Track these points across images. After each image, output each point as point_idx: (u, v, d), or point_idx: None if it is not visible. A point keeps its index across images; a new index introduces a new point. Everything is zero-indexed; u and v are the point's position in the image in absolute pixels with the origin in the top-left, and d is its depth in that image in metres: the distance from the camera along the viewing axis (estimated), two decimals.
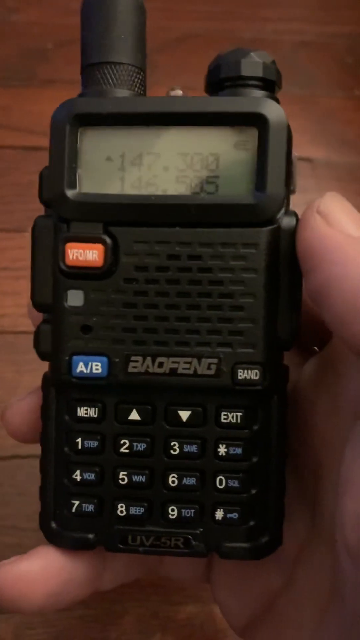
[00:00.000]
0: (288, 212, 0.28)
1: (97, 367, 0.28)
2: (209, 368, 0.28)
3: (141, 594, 0.48)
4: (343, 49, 0.74)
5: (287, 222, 0.28)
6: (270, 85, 0.29)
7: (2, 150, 0.69)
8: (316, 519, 0.30)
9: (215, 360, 0.28)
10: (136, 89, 0.29)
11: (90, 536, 0.30)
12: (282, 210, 0.28)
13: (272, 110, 0.27)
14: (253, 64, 0.29)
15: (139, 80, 0.29)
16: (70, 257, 0.28)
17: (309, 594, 0.30)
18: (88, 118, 0.28)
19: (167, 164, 0.28)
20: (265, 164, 0.27)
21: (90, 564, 0.31)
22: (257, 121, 0.27)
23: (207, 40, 0.72)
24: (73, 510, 0.30)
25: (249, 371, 0.28)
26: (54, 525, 0.30)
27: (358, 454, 0.25)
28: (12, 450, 0.50)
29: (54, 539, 0.30)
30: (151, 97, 0.29)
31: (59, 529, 0.30)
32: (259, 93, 0.29)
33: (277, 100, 0.29)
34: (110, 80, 0.29)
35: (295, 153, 0.29)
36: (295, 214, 0.28)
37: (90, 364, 0.28)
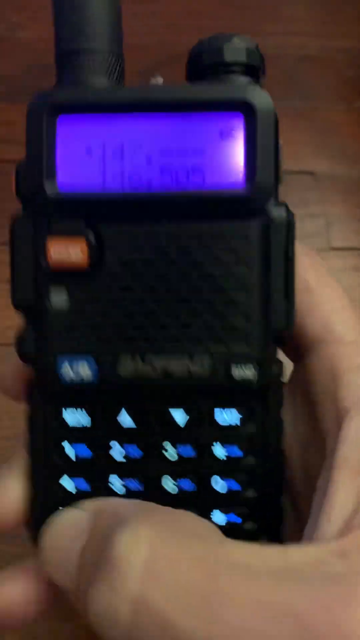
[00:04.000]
0: (278, 203, 0.27)
1: (84, 368, 0.27)
2: (202, 366, 0.27)
3: None
4: (344, 62, 0.75)
5: (277, 212, 0.27)
6: (254, 71, 0.28)
7: (8, 165, 0.69)
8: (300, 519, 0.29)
9: (208, 358, 0.27)
10: (113, 76, 0.28)
11: None
12: (272, 200, 0.27)
13: (259, 97, 0.26)
14: (236, 50, 0.27)
15: (116, 67, 0.28)
16: (53, 254, 0.26)
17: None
18: (66, 108, 0.26)
19: (150, 155, 0.27)
20: (253, 152, 0.26)
21: None
22: (243, 108, 0.26)
23: None
24: None
25: (244, 368, 0.27)
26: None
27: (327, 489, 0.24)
28: None
29: None
30: (133, 86, 0.27)
31: None
32: (243, 79, 0.27)
33: (262, 87, 0.28)
34: (87, 68, 0.27)
35: (281, 141, 0.28)
36: (286, 205, 0.27)
37: (77, 365, 0.27)
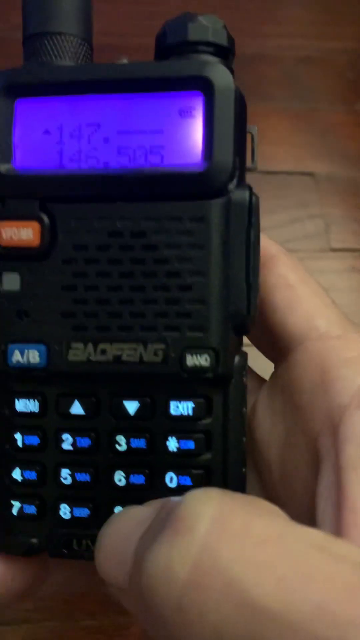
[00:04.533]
0: (241, 185, 0.26)
1: (34, 355, 0.26)
2: (155, 354, 0.26)
3: None
4: (344, 64, 0.75)
5: (239, 194, 0.25)
6: (221, 51, 0.27)
7: None
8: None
9: (162, 346, 0.25)
10: (80, 61, 0.27)
11: (34, 540, 0.27)
12: (234, 182, 0.25)
13: (218, 74, 0.25)
14: (201, 28, 0.27)
15: (83, 52, 0.27)
16: (4, 236, 0.26)
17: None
18: (22, 89, 0.26)
19: (107, 135, 0.26)
20: (211, 130, 0.25)
21: (32, 572, 0.28)
22: (202, 85, 0.25)
23: None
24: (14, 512, 0.27)
25: (199, 356, 0.25)
26: None
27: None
28: None
29: None
30: (89, 64, 0.27)
31: (0, 532, 0.28)
32: (209, 58, 0.26)
33: (232, 70, 0.27)
34: (51, 51, 0.27)
35: (255, 126, 0.27)
36: (250, 187, 0.26)
37: (27, 352, 0.26)
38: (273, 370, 0.29)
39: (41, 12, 0.27)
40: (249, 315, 0.26)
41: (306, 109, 0.72)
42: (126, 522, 0.23)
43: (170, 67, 0.26)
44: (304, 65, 0.75)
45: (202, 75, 0.25)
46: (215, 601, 0.18)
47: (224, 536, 0.19)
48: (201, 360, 0.26)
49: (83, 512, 0.27)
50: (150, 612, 0.19)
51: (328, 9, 0.79)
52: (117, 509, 0.27)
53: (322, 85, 0.74)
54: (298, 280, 0.28)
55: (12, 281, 0.26)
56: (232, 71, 0.26)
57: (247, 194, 0.26)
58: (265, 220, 0.27)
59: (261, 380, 0.30)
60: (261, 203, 0.27)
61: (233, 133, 0.25)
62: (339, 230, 0.67)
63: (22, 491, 0.27)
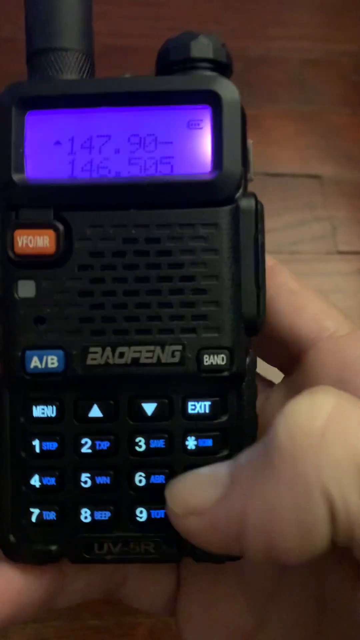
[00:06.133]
0: (247, 194, 0.27)
1: (52, 361, 0.26)
2: (172, 355, 0.26)
3: None
4: (349, 66, 0.75)
5: (246, 202, 0.27)
6: (221, 67, 0.28)
7: None
8: None
9: (179, 347, 0.26)
10: (84, 76, 0.28)
11: (53, 547, 0.27)
12: (241, 190, 0.27)
13: (225, 88, 0.26)
14: (202, 46, 0.28)
15: (87, 67, 0.28)
16: (20, 244, 0.26)
17: (285, 635, 0.27)
18: (35, 101, 0.27)
19: (118, 146, 0.27)
20: (220, 141, 0.26)
21: (50, 581, 0.28)
22: (210, 99, 0.26)
23: None
24: (33, 519, 0.27)
25: (215, 356, 0.26)
26: (12, 538, 0.27)
27: None
28: None
29: (13, 553, 0.27)
30: (99, 78, 0.27)
31: (18, 541, 0.27)
32: (212, 74, 0.28)
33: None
34: (57, 67, 0.28)
35: (251, 140, 0.28)
36: (255, 196, 0.27)
37: (45, 358, 0.26)
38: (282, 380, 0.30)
39: (46, 29, 0.28)
40: (259, 316, 0.27)
41: (311, 111, 0.72)
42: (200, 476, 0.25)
43: (178, 82, 0.27)
44: (310, 68, 0.75)
45: (211, 89, 0.26)
46: (355, 426, 0.22)
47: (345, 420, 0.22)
48: (218, 359, 0.26)
49: (104, 514, 0.27)
50: (289, 454, 0.22)
51: (334, 11, 0.79)
52: (138, 510, 0.27)
53: (327, 88, 0.74)
54: (299, 286, 0.29)
55: (27, 288, 0.27)
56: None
57: (253, 201, 0.27)
58: (271, 222, 0.28)
59: (267, 381, 0.31)
60: (267, 205, 0.28)
61: (241, 144, 0.27)
62: (345, 232, 0.67)
63: (41, 498, 0.27)
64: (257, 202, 0.27)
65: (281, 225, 0.64)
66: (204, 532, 0.24)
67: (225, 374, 0.27)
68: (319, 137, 0.70)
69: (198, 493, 0.24)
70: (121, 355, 0.26)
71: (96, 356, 0.26)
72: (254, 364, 0.28)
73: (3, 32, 0.73)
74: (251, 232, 0.27)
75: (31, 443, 0.27)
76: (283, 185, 0.67)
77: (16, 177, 0.26)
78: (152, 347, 0.26)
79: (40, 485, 0.27)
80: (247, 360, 0.27)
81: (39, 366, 0.26)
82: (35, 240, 0.26)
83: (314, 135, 0.70)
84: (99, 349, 0.26)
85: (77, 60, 0.28)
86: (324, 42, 0.77)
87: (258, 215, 0.27)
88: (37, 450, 0.27)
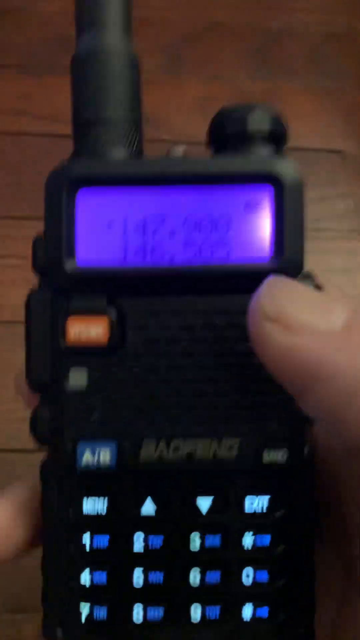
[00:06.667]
0: (304, 275, 0.26)
1: (105, 454, 0.26)
2: (230, 449, 0.25)
3: None
4: None
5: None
6: (278, 139, 0.27)
7: (25, 137, 0.68)
8: (352, 577, 0.27)
9: (236, 440, 0.25)
10: (132, 148, 0.27)
11: None
12: (300, 275, 0.26)
13: (287, 169, 0.25)
14: (259, 119, 0.27)
15: (135, 138, 0.27)
16: (72, 333, 0.25)
17: None
18: (86, 182, 0.26)
19: (173, 229, 0.26)
20: (282, 226, 0.25)
21: None
22: (270, 181, 0.25)
23: (234, 31, 0.71)
24: (83, 617, 0.27)
25: (275, 450, 0.25)
26: (60, 633, 0.27)
27: None
28: None
29: None
30: (153, 158, 0.27)
31: (66, 637, 0.27)
32: (266, 149, 0.27)
33: (286, 155, 0.27)
34: (105, 139, 0.27)
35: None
36: (311, 276, 0.26)
37: (97, 451, 0.26)
38: None
39: (96, 101, 0.27)
40: None
41: (334, 87, 0.70)
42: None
43: (236, 163, 0.26)
44: (332, 42, 0.73)
45: (271, 172, 0.25)
46: None
47: None
48: (277, 453, 0.25)
49: (157, 613, 0.26)
50: None
51: None
52: (193, 608, 0.26)
53: (350, 63, 0.72)
54: None
55: (79, 377, 0.26)
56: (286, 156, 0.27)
57: (312, 284, 0.26)
58: None
59: None
60: None
61: (302, 229, 0.25)
62: None
63: (92, 595, 0.26)
64: (316, 286, 0.26)
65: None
66: (292, 353, 0.23)
67: (285, 467, 0.25)
68: (339, 112, 0.69)
69: (310, 310, 0.23)
70: (176, 449, 0.26)
71: (150, 450, 0.26)
72: (312, 453, 0.26)
73: (15, 1, 0.71)
74: None
75: (81, 538, 0.26)
76: (305, 160, 0.66)
77: (68, 262, 0.25)
78: (208, 440, 0.25)
79: (90, 583, 0.26)
80: (306, 450, 0.26)
81: (91, 459, 0.26)
82: (89, 329, 0.26)
83: (335, 111, 0.68)
84: (153, 442, 0.26)
85: (125, 131, 0.27)
86: (346, 16, 0.75)
87: None
88: (87, 546, 0.26)
